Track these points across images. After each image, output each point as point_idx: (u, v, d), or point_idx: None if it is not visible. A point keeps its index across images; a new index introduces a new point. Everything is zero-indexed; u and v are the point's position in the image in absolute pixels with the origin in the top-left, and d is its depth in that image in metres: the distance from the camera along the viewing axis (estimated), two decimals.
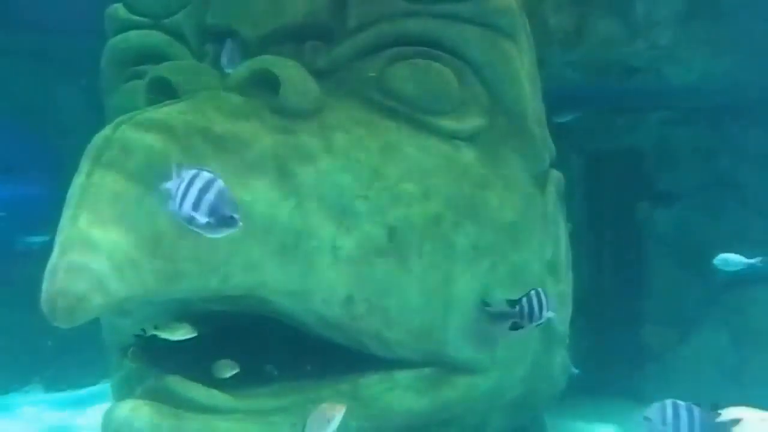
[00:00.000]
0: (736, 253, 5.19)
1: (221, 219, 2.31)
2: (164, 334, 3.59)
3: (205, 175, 2.30)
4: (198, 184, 2.27)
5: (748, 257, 4.89)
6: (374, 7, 4.12)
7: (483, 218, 4.13)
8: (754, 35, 5.59)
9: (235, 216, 2.30)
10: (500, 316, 3.75)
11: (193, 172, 2.31)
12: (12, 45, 6.89)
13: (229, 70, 3.85)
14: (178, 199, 2.31)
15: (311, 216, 3.61)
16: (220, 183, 2.28)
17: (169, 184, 2.37)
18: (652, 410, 2.75)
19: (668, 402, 2.74)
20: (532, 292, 3.66)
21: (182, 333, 3.60)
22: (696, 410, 2.72)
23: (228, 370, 3.63)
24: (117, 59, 4.62)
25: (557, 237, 4.80)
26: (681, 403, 2.74)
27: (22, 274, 4.75)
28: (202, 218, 2.31)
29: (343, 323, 3.76)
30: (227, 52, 3.90)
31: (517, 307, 3.66)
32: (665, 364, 6.27)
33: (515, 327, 3.72)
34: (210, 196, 2.27)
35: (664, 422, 2.72)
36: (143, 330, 3.65)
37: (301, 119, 3.78)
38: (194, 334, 3.60)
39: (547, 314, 3.66)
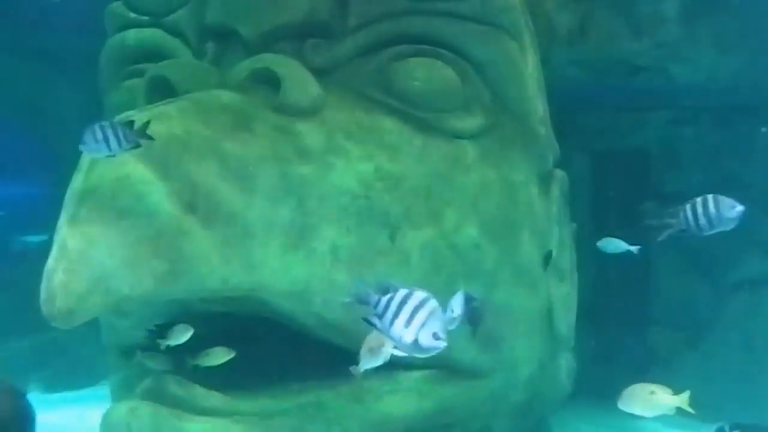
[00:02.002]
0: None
1: (431, 340, 2.30)
2: (172, 341, 3.56)
3: (420, 294, 2.30)
4: (412, 303, 2.28)
5: (631, 243, 4.68)
6: (375, 5, 4.09)
7: (485, 218, 4.08)
8: (763, 33, 5.52)
9: (442, 337, 2.29)
10: (657, 227, 3.01)
11: (404, 291, 2.30)
12: (8, 43, 6.88)
13: (117, 152, 2.96)
14: (388, 317, 2.28)
15: (311, 216, 3.57)
16: (433, 302, 2.29)
17: (372, 298, 2.32)
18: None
19: None
20: (698, 197, 2.92)
21: (185, 336, 3.56)
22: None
23: (222, 356, 3.57)
24: (116, 57, 4.61)
25: (561, 237, 4.75)
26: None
27: (19, 273, 4.73)
28: (417, 338, 2.27)
29: (344, 325, 3.70)
30: (122, 131, 2.93)
31: (681, 214, 2.92)
32: (673, 369, 6.16)
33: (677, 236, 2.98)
34: (422, 316, 2.27)
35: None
36: (156, 340, 3.60)
37: (302, 118, 3.75)
38: (191, 332, 3.55)
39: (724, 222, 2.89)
